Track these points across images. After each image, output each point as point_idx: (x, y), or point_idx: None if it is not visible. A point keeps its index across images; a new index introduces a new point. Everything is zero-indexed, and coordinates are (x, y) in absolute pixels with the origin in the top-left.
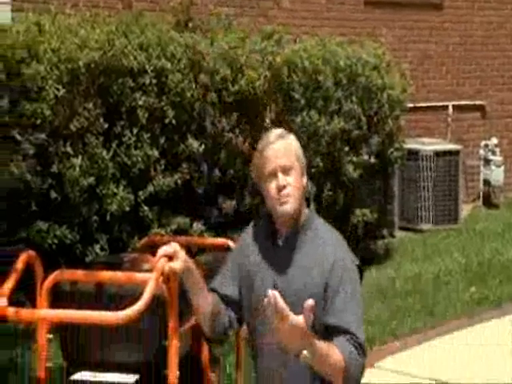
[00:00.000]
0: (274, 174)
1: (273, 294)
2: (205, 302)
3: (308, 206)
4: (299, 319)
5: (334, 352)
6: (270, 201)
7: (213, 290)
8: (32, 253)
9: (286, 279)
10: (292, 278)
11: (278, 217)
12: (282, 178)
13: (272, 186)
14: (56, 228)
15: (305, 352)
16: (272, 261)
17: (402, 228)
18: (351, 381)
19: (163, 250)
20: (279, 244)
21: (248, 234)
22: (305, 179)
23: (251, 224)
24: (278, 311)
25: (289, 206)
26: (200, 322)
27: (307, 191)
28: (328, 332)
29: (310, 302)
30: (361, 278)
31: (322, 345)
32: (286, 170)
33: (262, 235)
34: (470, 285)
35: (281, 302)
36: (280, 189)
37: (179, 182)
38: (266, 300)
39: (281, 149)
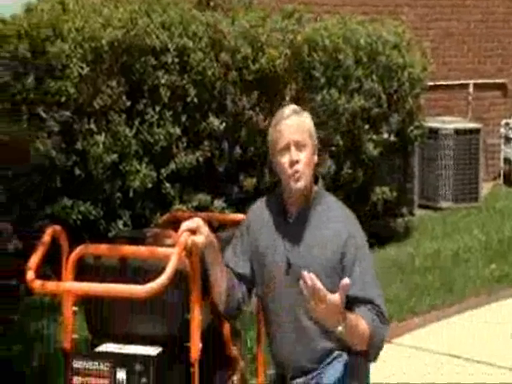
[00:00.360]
0: (287, 149)
1: (309, 275)
2: (222, 277)
3: (316, 182)
4: (336, 297)
5: (361, 322)
6: (282, 175)
7: (226, 266)
8: (58, 227)
9: (298, 255)
10: (304, 254)
11: (290, 194)
12: (294, 153)
13: (285, 161)
14: (80, 204)
15: (340, 328)
16: (283, 238)
17: (421, 206)
18: (374, 348)
19: (186, 224)
20: (290, 221)
21: (259, 208)
22: (315, 157)
23: (262, 199)
24: (315, 292)
25: (302, 183)
26: (215, 298)
27: (324, 170)
28: (349, 303)
29: (346, 280)
30: None
31: (351, 317)
32: (298, 146)
33: (274, 212)
34: (490, 262)
35: (318, 284)
36: (292, 163)
37: (201, 159)
38: (301, 282)
39: (294, 125)
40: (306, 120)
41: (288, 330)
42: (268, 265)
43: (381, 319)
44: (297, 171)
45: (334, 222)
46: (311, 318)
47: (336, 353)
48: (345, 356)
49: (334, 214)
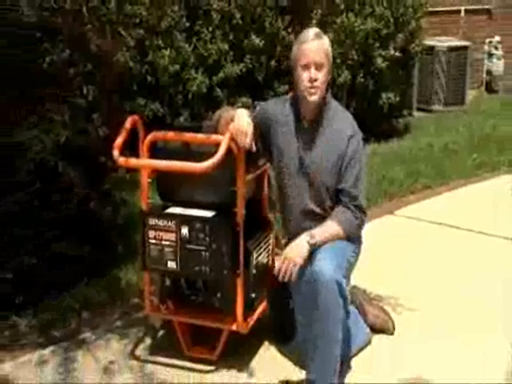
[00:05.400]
0: (307, 67)
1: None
2: None
3: (327, 91)
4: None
5: (333, 230)
6: (301, 87)
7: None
8: (136, 117)
9: (309, 154)
10: (314, 153)
11: (305, 104)
12: (314, 72)
13: (305, 76)
14: (151, 103)
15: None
16: (298, 139)
17: (419, 109)
18: (352, 234)
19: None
20: (304, 125)
21: (283, 104)
22: (330, 75)
23: (286, 98)
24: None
25: (316, 97)
26: None
27: (342, 79)
28: (339, 192)
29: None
30: None
31: (322, 237)
32: (317, 66)
33: (291, 116)
34: (473, 153)
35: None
36: (311, 80)
37: (244, 70)
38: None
39: (316, 47)
40: (325, 43)
41: (296, 210)
42: (285, 160)
43: (355, 214)
44: (314, 87)
45: (339, 124)
46: (315, 201)
47: None
48: None
49: (338, 116)
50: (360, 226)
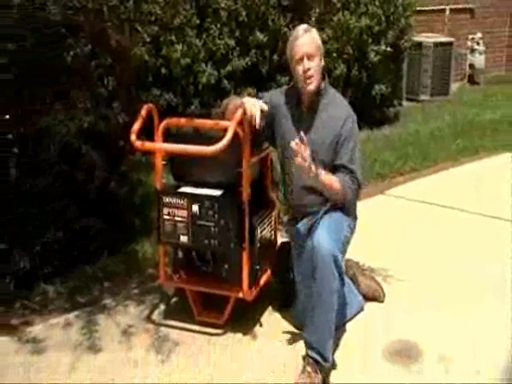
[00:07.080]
0: (301, 60)
1: (297, 144)
2: None
3: (323, 79)
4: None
5: (335, 183)
6: (298, 78)
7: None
8: (151, 105)
9: (308, 135)
10: (312, 135)
11: (304, 93)
12: (306, 63)
13: (300, 68)
14: (165, 93)
15: (311, 175)
16: (298, 123)
17: (407, 99)
18: (347, 200)
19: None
20: (303, 110)
21: (284, 94)
22: (322, 62)
23: (286, 88)
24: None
25: (313, 86)
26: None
27: (338, 71)
28: (337, 168)
29: (296, 141)
30: None
31: (325, 178)
32: (309, 57)
33: (292, 103)
34: (456, 139)
35: (297, 147)
36: (305, 71)
37: (249, 63)
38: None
39: (306, 41)
40: (314, 35)
41: (297, 186)
42: (286, 145)
43: (353, 182)
44: (309, 77)
45: (335, 108)
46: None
47: (329, 203)
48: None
49: (335, 102)
50: (354, 193)
